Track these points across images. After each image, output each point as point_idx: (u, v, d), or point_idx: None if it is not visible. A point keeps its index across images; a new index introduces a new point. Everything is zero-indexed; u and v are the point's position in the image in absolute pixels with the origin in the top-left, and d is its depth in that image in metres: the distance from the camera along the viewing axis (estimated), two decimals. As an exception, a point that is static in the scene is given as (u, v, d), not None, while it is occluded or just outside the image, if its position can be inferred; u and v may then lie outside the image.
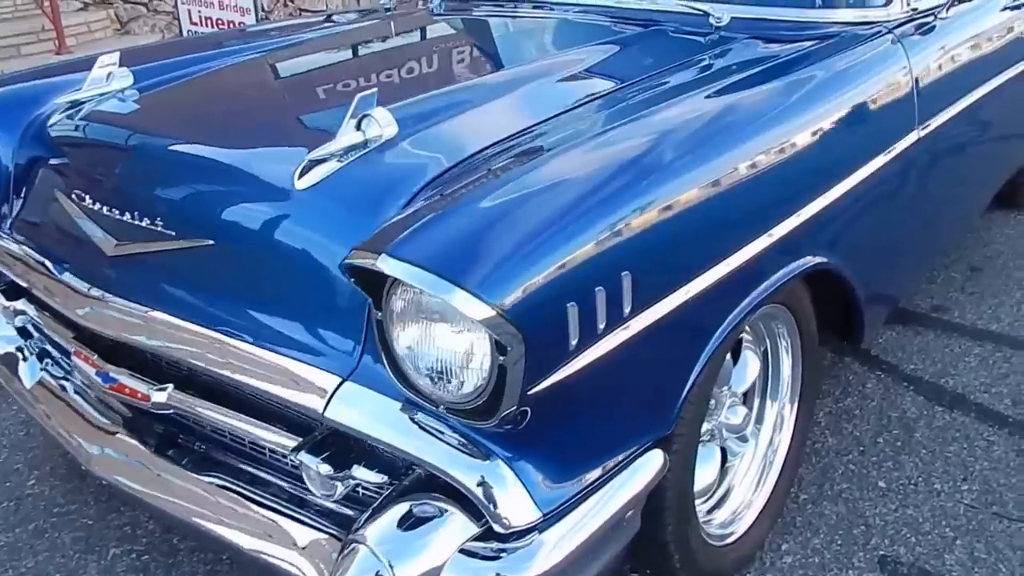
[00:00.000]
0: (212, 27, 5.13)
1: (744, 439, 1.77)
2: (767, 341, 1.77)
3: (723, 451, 1.74)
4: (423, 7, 2.51)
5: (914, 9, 2.11)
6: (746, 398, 1.77)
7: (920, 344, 2.53)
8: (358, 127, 1.29)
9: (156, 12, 6.73)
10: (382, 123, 1.28)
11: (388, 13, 2.56)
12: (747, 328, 1.68)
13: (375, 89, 1.29)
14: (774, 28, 2.01)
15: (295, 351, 1.21)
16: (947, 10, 2.13)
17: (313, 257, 1.21)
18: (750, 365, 1.74)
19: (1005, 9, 2.51)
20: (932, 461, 2.04)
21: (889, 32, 1.99)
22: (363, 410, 1.13)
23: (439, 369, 1.06)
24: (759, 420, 1.81)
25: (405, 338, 1.07)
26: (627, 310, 1.14)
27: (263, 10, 6.66)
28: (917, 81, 1.97)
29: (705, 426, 1.61)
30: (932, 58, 2.06)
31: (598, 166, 1.22)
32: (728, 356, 1.62)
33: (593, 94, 1.63)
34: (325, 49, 2.12)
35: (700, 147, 1.43)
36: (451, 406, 1.06)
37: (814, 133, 1.65)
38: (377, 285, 1.06)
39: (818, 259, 1.67)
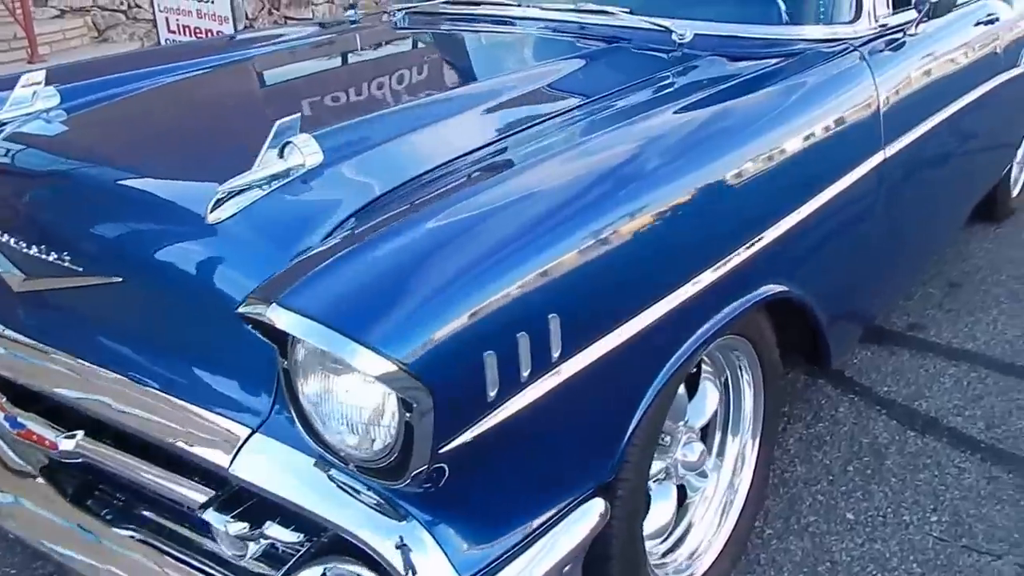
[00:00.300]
0: (190, 35, 5.07)
1: (703, 475, 1.69)
2: (727, 371, 1.70)
3: (681, 488, 1.67)
4: (387, 21, 2.43)
5: (883, 26, 2.04)
6: (705, 432, 1.70)
7: (895, 364, 2.46)
8: (280, 154, 1.21)
9: (135, 20, 6.62)
10: (305, 150, 1.20)
11: (353, 25, 2.48)
12: (704, 358, 1.61)
13: (298, 114, 1.20)
14: (738, 45, 1.93)
15: (204, 399, 1.13)
16: (916, 26, 2.06)
17: (224, 298, 1.12)
18: (709, 397, 1.67)
19: (979, 24, 2.45)
20: (902, 490, 1.97)
21: (855, 50, 1.92)
22: (272, 466, 1.05)
23: (346, 425, 0.98)
24: (720, 454, 1.74)
25: (310, 390, 0.99)
26: (556, 355, 1.06)
27: (247, 18, 6.58)
28: (885, 100, 1.90)
29: (658, 464, 1.53)
30: (900, 76, 1.99)
31: (528, 198, 1.14)
32: (682, 389, 1.54)
33: (543, 116, 1.54)
34: (272, 66, 2.04)
35: (649, 172, 1.35)
36: (361, 464, 0.99)
37: (773, 155, 1.57)
38: (280, 332, 0.98)
39: (778, 288, 1.59)
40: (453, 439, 0.96)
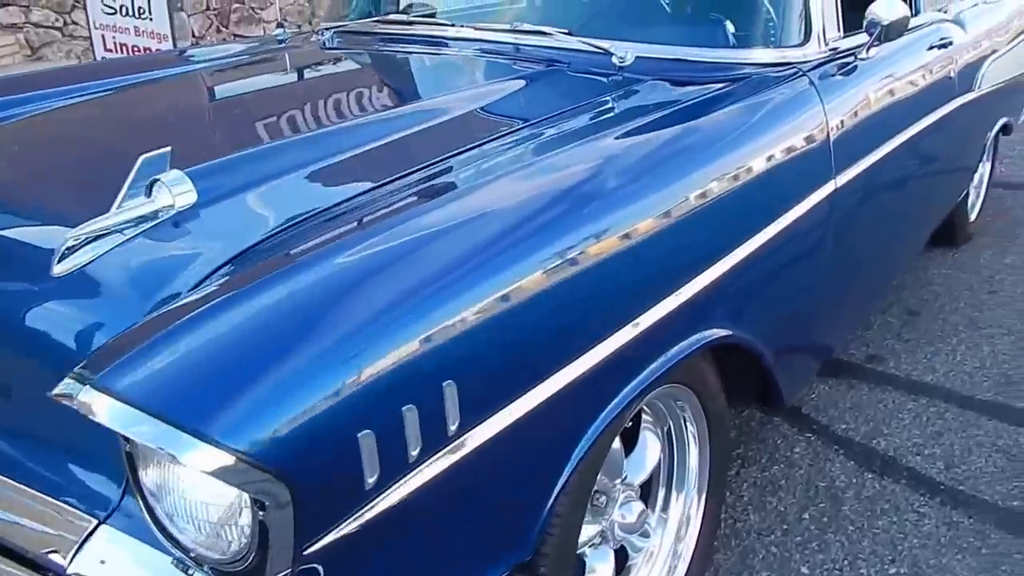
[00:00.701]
0: (128, 53, 4.86)
1: (646, 534, 1.56)
2: (669, 421, 1.57)
3: (622, 549, 1.53)
4: (315, 41, 2.28)
5: (833, 49, 1.95)
6: (648, 487, 1.56)
7: (853, 399, 2.35)
8: (148, 193, 1.06)
9: (72, 38, 6.36)
10: (175, 189, 1.05)
11: (280, 45, 2.33)
12: (644, 407, 1.48)
13: (167, 147, 1.06)
14: (682, 69, 1.83)
15: (50, 484, 0.97)
16: (868, 50, 1.97)
17: (68, 366, 0.96)
18: (649, 450, 1.54)
19: (932, 48, 2.38)
20: (859, 539, 1.86)
21: (804, 74, 1.82)
22: (119, 565, 0.89)
23: (192, 524, 0.83)
24: (664, 509, 1.61)
25: (150, 482, 0.84)
26: (453, 428, 0.92)
27: (194, 35, 6.38)
28: (836, 126, 1.81)
29: (592, 529, 1.40)
30: (851, 102, 1.89)
31: (426, 243, 0.99)
32: (618, 443, 1.41)
33: (458, 148, 1.40)
34: (175, 90, 1.87)
35: (573, 208, 1.21)
36: (217, 567, 0.83)
37: (716, 187, 1.46)
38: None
39: (722, 331, 1.47)
40: (323, 536, 0.82)
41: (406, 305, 0.88)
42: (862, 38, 2.01)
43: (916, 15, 2.42)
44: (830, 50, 1.95)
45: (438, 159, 1.32)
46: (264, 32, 6.70)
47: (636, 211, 1.29)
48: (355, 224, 1.05)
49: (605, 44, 1.85)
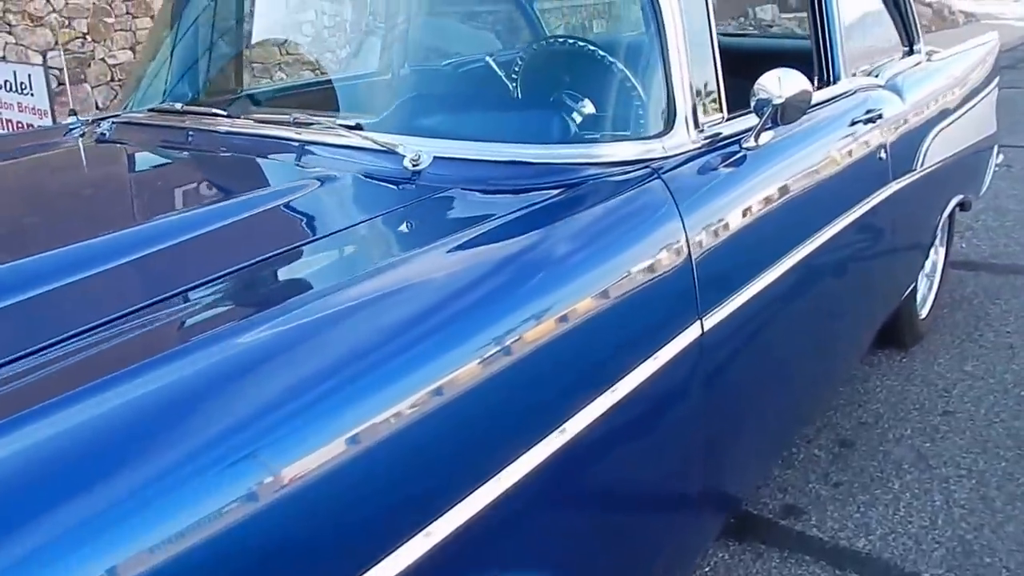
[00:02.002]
0: (12, 128, 4.50)
1: None
2: None
3: None
4: (96, 132, 1.79)
5: (712, 137, 1.46)
6: None
7: (761, 573, 1.82)
8: None
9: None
10: None
11: (71, 134, 1.83)
12: None
13: None
14: (496, 173, 1.33)
15: None
16: (756, 137, 1.47)
17: None
18: None
19: (856, 123, 1.90)
20: None
21: (656, 176, 1.32)
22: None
23: None
24: None
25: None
26: None
27: (97, 107, 5.83)
28: (700, 245, 1.30)
29: None
30: (725, 208, 1.40)
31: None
32: None
33: (172, 291, 0.96)
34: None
35: (298, 400, 0.79)
36: None
37: (519, 346, 0.98)
38: None
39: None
40: None
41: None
42: (750, 120, 1.53)
43: (833, 82, 1.95)
44: (707, 139, 1.46)
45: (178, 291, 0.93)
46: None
47: (404, 391, 0.86)
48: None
49: (394, 141, 1.36)
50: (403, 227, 1.22)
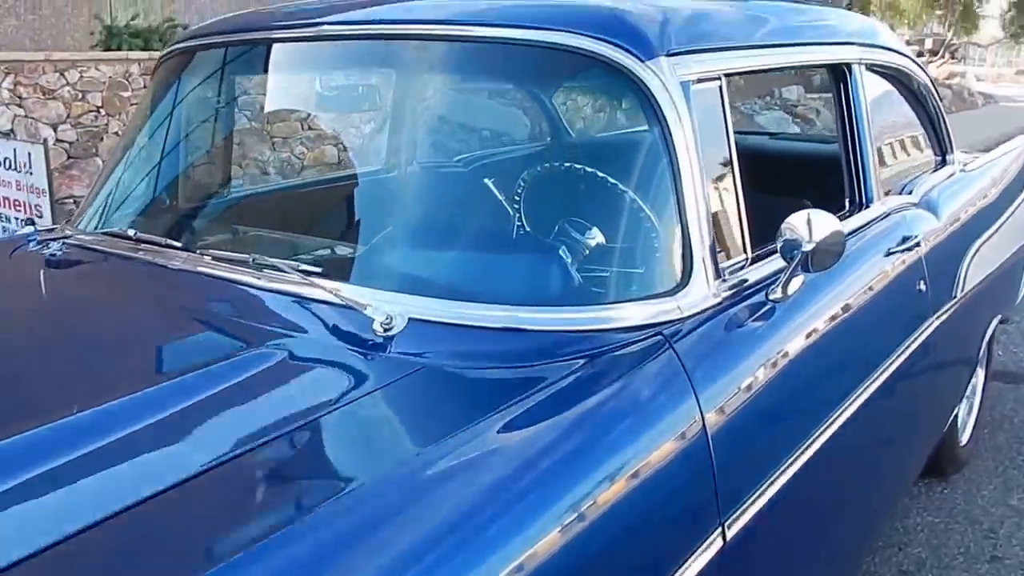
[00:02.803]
0: (11, 209, 4.43)
1: None
2: None
3: None
4: (47, 249, 1.64)
5: (737, 287, 1.27)
6: None
7: None
8: None
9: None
10: None
11: (24, 248, 1.68)
12: None
13: None
14: (485, 346, 1.13)
15: None
16: (784, 287, 1.29)
17: None
18: None
19: (891, 254, 1.71)
20: None
21: (666, 344, 1.13)
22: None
23: None
24: None
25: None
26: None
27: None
28: (717, 425, 1.10)
29: None
30: (746, 377, 1.20)
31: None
32: None
33: None
34: None
35: None
36: None
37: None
38: None
39: None
40: None
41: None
42: (777, 263, 1.35)
43: (866, 206, 1.77)
44: (729, 289, 1.28)
45: None
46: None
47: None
48: None
49: (361, 297, 1.18)
50: (370, 430, 1.02)
